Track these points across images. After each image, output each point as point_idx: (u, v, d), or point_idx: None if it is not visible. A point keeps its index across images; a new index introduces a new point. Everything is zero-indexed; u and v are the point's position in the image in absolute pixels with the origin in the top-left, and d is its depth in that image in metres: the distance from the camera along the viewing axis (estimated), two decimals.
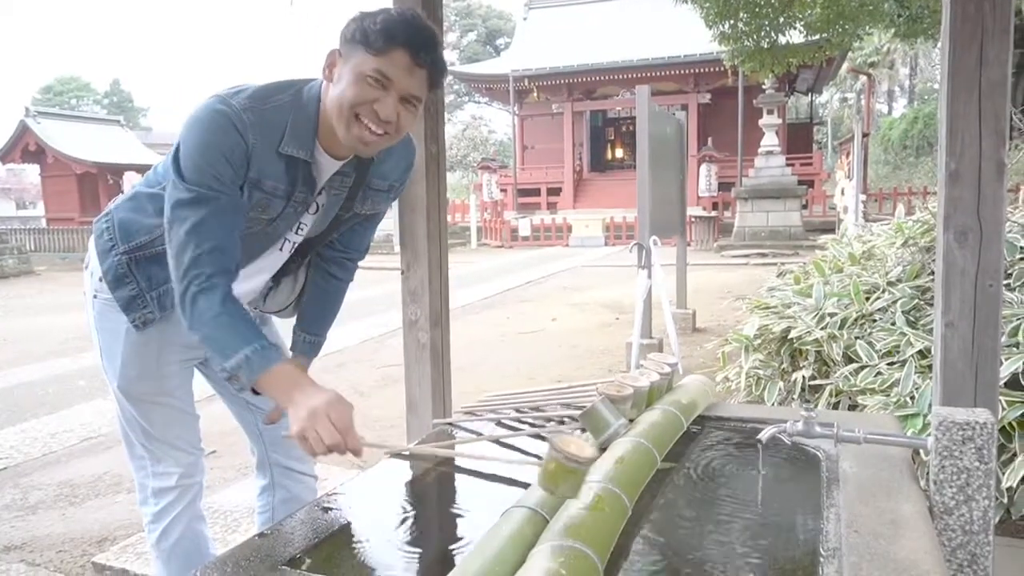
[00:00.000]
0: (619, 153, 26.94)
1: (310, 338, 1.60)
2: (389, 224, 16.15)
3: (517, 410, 1.66)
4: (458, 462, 1.44)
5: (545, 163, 23.94)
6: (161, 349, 1.47)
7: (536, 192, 23.67)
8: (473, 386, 4.46)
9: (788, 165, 15.42)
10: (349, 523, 1.17)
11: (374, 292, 8.23)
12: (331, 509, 1.22)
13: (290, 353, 1.60)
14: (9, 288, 12.49)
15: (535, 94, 23.31)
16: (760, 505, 1.20)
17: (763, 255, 13.18)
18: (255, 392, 1.27)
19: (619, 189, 21.99)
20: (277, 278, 1.61)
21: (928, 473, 1.19)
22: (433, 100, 2.18)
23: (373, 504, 1.26)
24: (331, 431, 1.14)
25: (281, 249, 1.48)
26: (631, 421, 1.41)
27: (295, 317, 1.65)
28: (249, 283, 1.51)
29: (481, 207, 20.06)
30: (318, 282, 1.62)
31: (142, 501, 1.56)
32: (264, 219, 1.36)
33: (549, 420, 1.59)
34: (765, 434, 1.28)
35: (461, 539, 1.13)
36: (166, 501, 1.53)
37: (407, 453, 1.48)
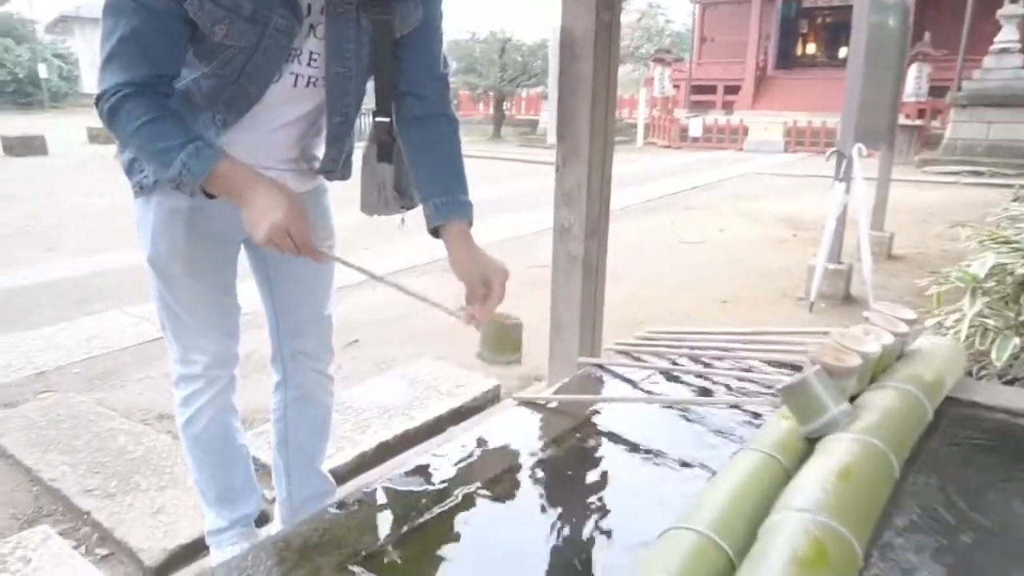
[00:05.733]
0: (811, 48, 24.11)
1: (439, 200, 1.27)
2: (544, 116, 15.59)
3: (692, 359, 1.30)
4: (605, 422, 1.12)
5: (725, 58, 21.89)
6: (191, 230, 1.31)
7: (712, 90, 21.89)
8: (619, 297, 4.09)
9: (1022, 67, 12.91)
10: (454, 494, 0.89)
11: (516, 188, 7.95)
12: (431, 473, 0.95)
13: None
14: None
15: None
16: None
17: (977, 173, 11.32)
18: (208, 195, 1.14)
19: (807, 90, 19.78)
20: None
21: None
22: None
23: (486, 468, 0.98)
24: (291, 247, 1.12)
25: (295, 85, 1.24)
26: (851, 401, 1.01)
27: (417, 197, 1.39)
28: (276, 131, 1.29)
29: (650, 103, 18.88)
30: (412, 136, 1.33)
31: (174, 382, 1.49)
32: (234, 47, 1.13)
33: (740, 382, 1.21)
34: None
35: (601, 535, 0.83)
36: (192, 389, 1.45)
37: (543, 402, 1.18)
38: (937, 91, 15.80)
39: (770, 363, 1.21)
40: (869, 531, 0.76)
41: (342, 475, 2.14)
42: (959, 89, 13.41)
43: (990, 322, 2.59)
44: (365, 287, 4.37)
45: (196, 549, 1.79)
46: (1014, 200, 3.93)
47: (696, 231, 6.57)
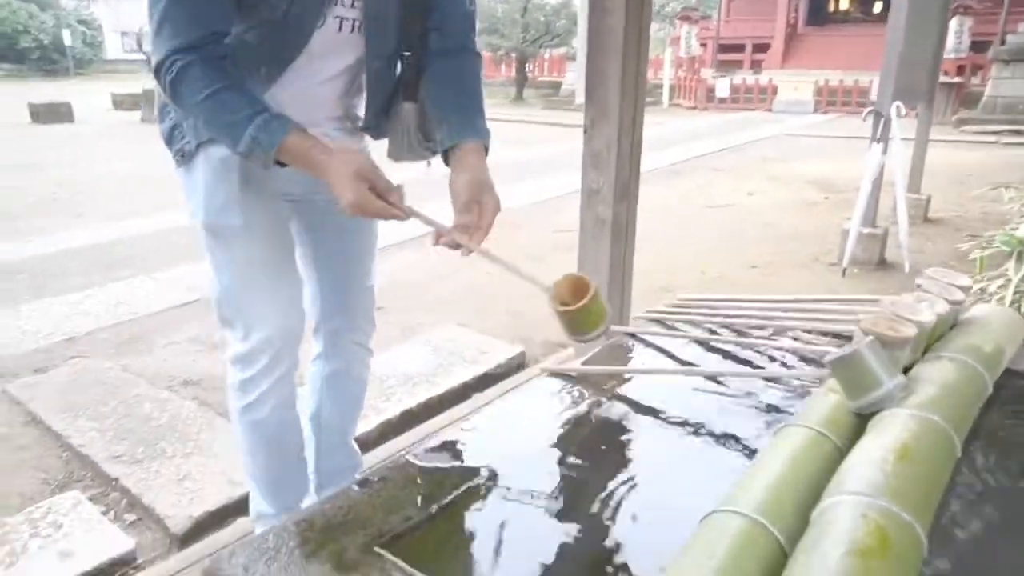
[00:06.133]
0: (844, 3, 23.26)
1: (455, 121, 1.21)
2: (568, 76, 15.21)
3: (729, 328, 1.24)
4: (638, 395, 1.07)
5: (754, 15, 21.20)
6: (244, 181, 1.24)
7: (740, 48, 21.26)
8: (644, 262, 4.01)
9: None
10: (481, 471, 0.85)
11: (540, 151, 7.81)
12: (458, 448, 0.91)
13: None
14: None
15: None
16: None
17: (1018, 133, 10.94)
18: (280, 164, 1.10)
19: (839, 47, 19.14)
20: (385, 99, 1.32)
21: None
22: None
23: (512, 443, 0.93)
24: (377, 210, 1.07)
25: (340, 30, 1.20)
26: (904, 372, 0.95)
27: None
28: (322, 85, 1.26)
29: (676, 63, 18.45)
30: (434, 69, 1.27)
31: (230, 361, 1.37)
32: None
33: (783, 353, 1.15)
34: None
35: (638, 515, 0.78)
36: (252, 371, 1.33)
37: (573, 373, 1.13)
38: (978, 46, 15.20)
39: (814, 332, 1.14)
40: (931, 515, 0.70)
41: (366, 443, 2.13)
42: (1002, 43, 12.90)
43: None
44: (390, 252, 4.34)
45: (222, 516, 1.79)
46: None
47: (724, 195, 6.43)
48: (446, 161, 1.20)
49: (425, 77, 1.27)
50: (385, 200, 1.07)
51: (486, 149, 1.20)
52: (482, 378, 2.58)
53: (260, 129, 1.05)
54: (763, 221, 5.34)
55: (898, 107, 3.69)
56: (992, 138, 10.53)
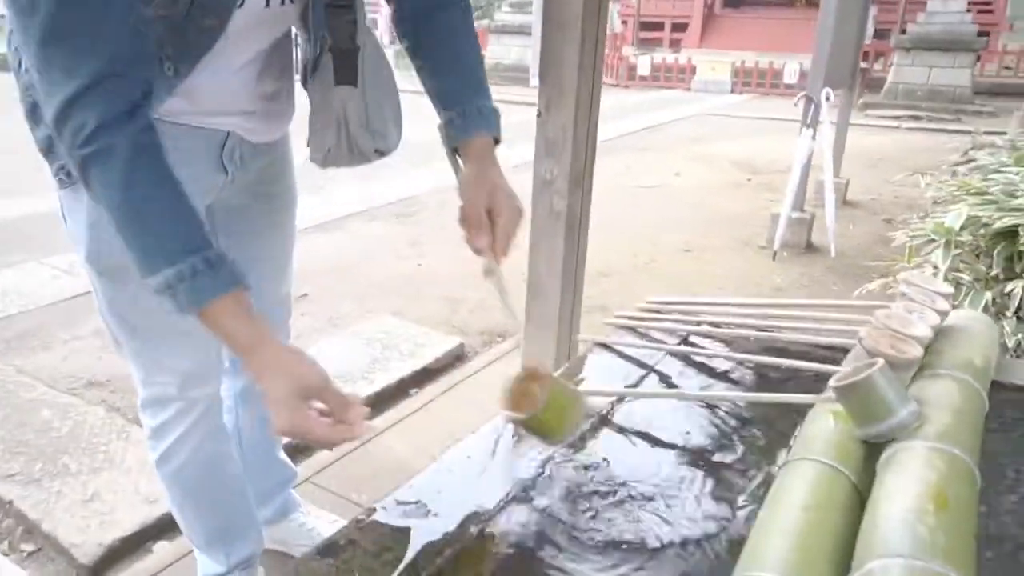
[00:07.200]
0: None
1: (456, 111, 0.96)
2: (524, 53, 14.76)
3: (710, 336, 1.16)
4: (621, 417, 0.98)
5: None
6: None
7: (659, 27, 21.57)
8: None
9: (966, 11, 13.08)
10: (465, 526, 0.73)
11: None
12: (433, 496, 0.78)
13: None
14: None
15: None
16: None
17: (917, 118, 11.51)
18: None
19: (755, 29, 19.66)
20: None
21: None
22: None
23: (497, 486, 0.82)
24: (322, 436, 0.78)
25: (268, 4, 0.92)
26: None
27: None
28: (241, 71, 0.99)
29: None
30: (419, 35, 0.99)
31: (139, 407, 1.18)
32: None
33: (773, 368, 1.07)
34: None
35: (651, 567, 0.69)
36: (163, 417, 1.14)
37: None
38: (880, 33, 15.93)
39: (805, 344, 1.08)
40: (974, 569, 0.64)
41: (300, 448, 1.97)
42: (903, 32, 13.52)
43: (964, 276, 2.55)
44: (314, 232, 4.11)
45: (138, 541, 1.61)
46: (972, 148, 3.90)
47: (651, 175, 6.45)
48: (455, 152, 0.98)
49: (408, 45, 0.99)
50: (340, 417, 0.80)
51: (497, 140, 0.98)
52: (421, 372, 2.45)
53: (182, 279, 0.77)
54: (692, 202, 5.38)
55: (827, 93, 3.74)
56: (894, 123, 11.06)
